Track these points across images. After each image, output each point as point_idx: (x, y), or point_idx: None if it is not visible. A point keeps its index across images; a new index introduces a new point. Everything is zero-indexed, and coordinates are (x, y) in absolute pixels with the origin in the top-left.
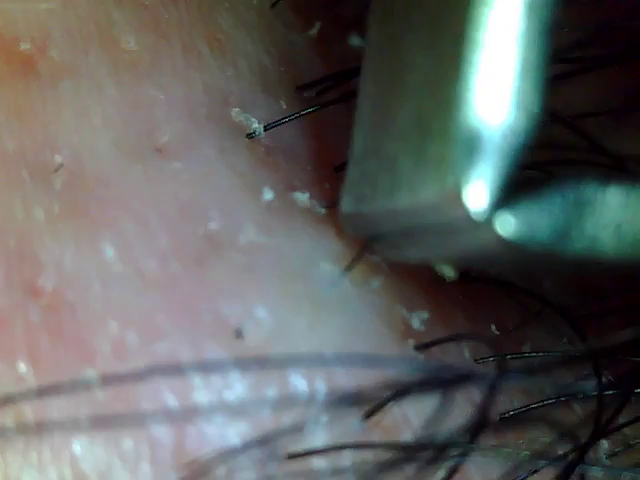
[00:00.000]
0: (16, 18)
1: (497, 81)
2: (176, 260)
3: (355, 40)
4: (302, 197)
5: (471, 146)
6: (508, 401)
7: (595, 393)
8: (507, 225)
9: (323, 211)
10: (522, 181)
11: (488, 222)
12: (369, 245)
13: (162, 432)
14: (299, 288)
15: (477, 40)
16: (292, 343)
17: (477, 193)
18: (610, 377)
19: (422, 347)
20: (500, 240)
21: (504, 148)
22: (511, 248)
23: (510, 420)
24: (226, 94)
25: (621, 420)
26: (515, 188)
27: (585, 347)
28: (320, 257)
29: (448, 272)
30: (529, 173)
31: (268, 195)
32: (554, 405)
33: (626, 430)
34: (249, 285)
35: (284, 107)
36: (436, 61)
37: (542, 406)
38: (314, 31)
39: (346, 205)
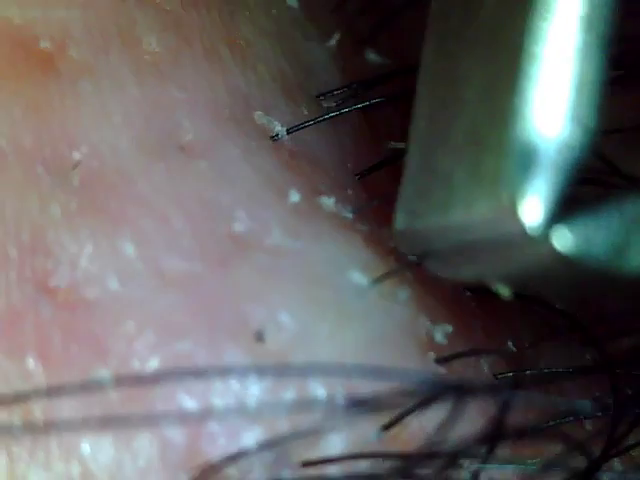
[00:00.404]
0: (35, 17)
1: (554, 94)
2: (198, 260)
3: (372, 56)
4: (328, 201)
5: (526, 160)
6: (522, 415)
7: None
8: (563, 239)
9: (350, 216)
10: (578, 196)
11: (544, 237)
12: (422, 262)
13: (175, 434)
14: (324, 294)
15: (535, 53)
16: (313, 349)
17: (532, 207)
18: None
19: (443, 360)
20: (556, 254)
21: (560, 162)
22: (567, 263)
23: (524, 435)
24: (248, 97)
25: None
26: (571, 203)
27: (602, 361)
28: (347, 264)
29: (503, 291)
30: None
31: (295, 197)
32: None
33: (635, 451)
34: (273, 288)
35: (305, 113)
36: (492, 75)
37: (558, 423)
38: (332, 42)
39: (400, 222)
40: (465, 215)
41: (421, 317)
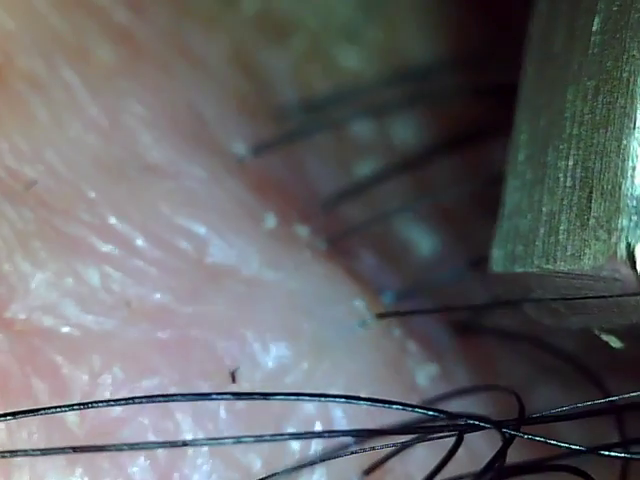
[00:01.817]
0: None
1: None
2: (168, 290)
3: (347, 60)
4: (303, 231)
5: None
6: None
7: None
8: None
9: (324, 247)
10: None
11: None
12: (520, 309)
13: (143, 475)
14: (304, 328)
15: None
16: (291, 388)
17: None
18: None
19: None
20: None
21: None
22: None
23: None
24: (208, 115)
25: None
26: None
27: (606, 403)
28: (331, 298)
29: (614, 342)
30: None
31: (270, 223)
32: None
33: None
34: (249, 322)
35: (267, 132)
36: (602, 114)
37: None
38: (296, 51)
39: (497, 263)
40: (574, 264)
41: (405, 357)
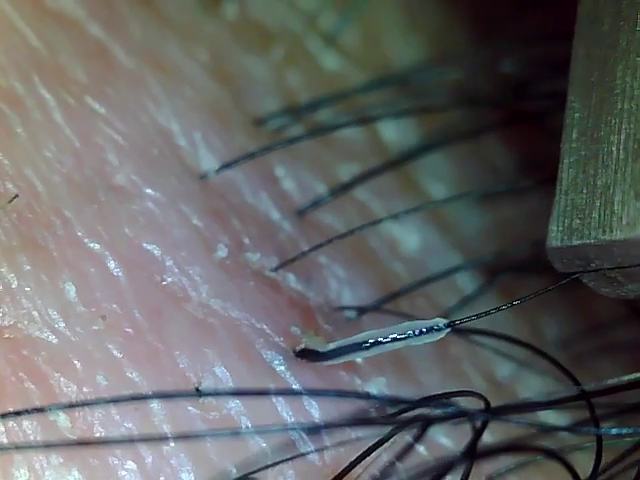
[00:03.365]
0: None
1: None
2: (136, 308)
3: (331, 62)
4: (253, 258)
5: None
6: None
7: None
8: None
9: (273, 275)
10: None
11: None
12: (582, 281)
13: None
14: (254, 354)
15: None
16: (249, 402)
17: None
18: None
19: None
20: None
21: None
22: None
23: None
24: (176, 131)
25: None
26: None
27: (578, 390)
28: (272, 330)
29: None
30: None
31: (222, 252)
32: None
33: None
34: (207, 342)
35: (240, 142)
36: None
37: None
38: (277, 57)
39: (555, 238)
40: (627, 231)
41: (352, 375)
